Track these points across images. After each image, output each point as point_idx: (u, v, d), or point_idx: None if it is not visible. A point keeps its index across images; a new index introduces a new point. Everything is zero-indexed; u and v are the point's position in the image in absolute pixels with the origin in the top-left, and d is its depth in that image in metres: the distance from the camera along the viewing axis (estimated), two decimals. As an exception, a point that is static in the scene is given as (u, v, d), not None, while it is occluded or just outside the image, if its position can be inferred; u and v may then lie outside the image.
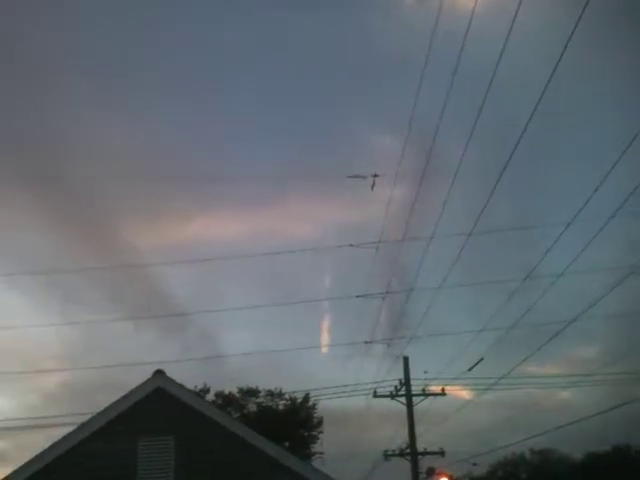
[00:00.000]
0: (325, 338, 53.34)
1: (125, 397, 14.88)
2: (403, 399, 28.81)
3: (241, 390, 43.28)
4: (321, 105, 65.35)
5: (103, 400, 15.69)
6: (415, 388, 29.00)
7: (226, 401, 42.09)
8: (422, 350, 37.55)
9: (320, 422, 43.47)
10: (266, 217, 61.10)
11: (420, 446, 28.71)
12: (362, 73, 58.19)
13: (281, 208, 60.39)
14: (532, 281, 17.86)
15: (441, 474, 34.81)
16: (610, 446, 57.21)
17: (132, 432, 14.42)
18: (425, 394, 29.09)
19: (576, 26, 8.70)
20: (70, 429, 14.90)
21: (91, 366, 41.13)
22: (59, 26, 50.02)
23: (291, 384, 66.16)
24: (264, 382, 43.43)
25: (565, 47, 9.31)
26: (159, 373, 15.22)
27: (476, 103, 12.31)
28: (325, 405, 41.75)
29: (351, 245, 25.16)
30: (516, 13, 9.36)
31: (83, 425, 14.69)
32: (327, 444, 42.83)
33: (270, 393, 43.68)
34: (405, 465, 29.05)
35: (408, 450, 28.74)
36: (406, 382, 28.87)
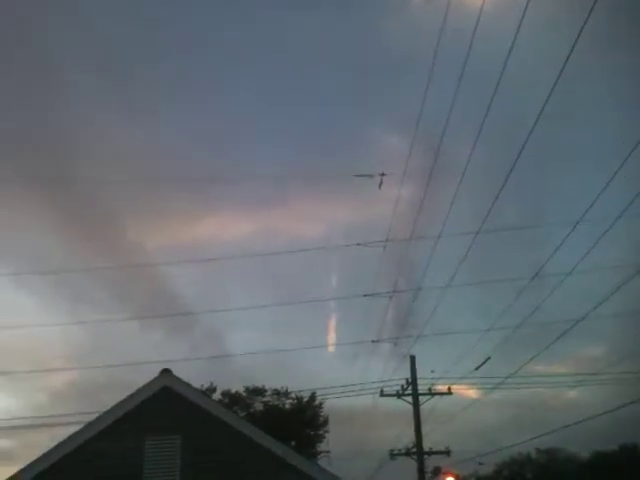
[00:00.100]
0: (332, 337, 53.45)
1: (132, 396, 14.90)
2: (409, 398, 28.78)
3: (247, 389, 43.32)
4: (329, 105, 65.51)
5: (110, 399, 15.75)
6: (422, 387, 28.99)
7: (232, 400, 42.12)
8: (429, 349, 37.62)
9: (326, 421, 43.49)
10: (273, 217, 61.25)
11: (426, 445, 28.70)
12: (369, 72, 58.30)
13: (288, 208, 60.52)
14: (539, 280, 17.79)
15: (447, 473, 34.74)
16: (617, 445, 57.12)
17: (139, 431, 14.44)
18: (431, 393, 29.04)
19: (584, 25, 8.66)
20: (77, 428, 14.93)
21: (98, 365, 41.20)
22: (60, 27, 50.19)
23: (297, 383, 66.30)
24: (270, 381, 43.54)
25: (572, 49, 9.27)
26: (166, 372, 15.24)
27: (484, 102, 12.28)
28: (331, 404, 41.79)
29: (358, 244, 25.12)
30: (524, 12, 9.33)
31: (90, 424, 14.71)
32: (333, 443, 42.89)
33: (276, 392, 43.69)
34: (411, 464, 29.03)
35: (414, 449, 28.71)
36: (413, 381, 28.83)
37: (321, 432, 43.84)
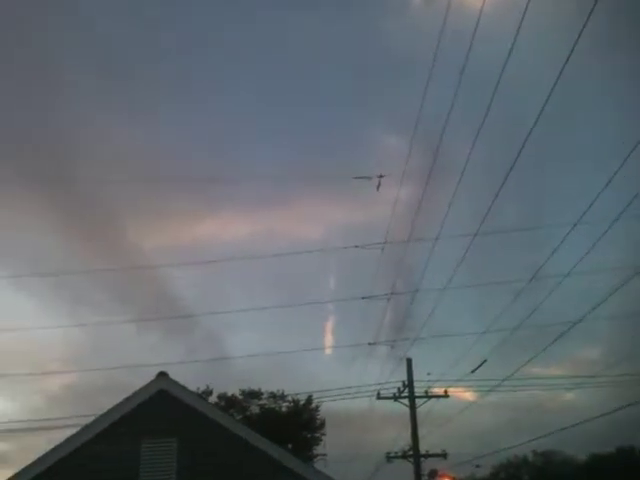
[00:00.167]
0: (329, 340, 53.38)
1: (128, 399, 14.86)
2: (406, 401, 28.75)
3: (244, 392, 43.23)
4: (328, 105, 65.54)
5: (106, 402, 15.67)
6: (418, 390, 28.96)
7: (229, 403, 42.03)
8: (425, 352, 37.54)
9: (323, 424, 43.41)
10: (272, 218, 61.22)
11: (423, 448, 28.66)
12: (368, 73, 58.34)
13: (287, 209, 60.51)
14: (536, 282, 17.77)
15: (444, 476, 34.69)
16: (614, 447, 57.18)
17: (135, 434, 14.39)
18: (428, 396, 29.02)
19: (584, 27, 8.64)
20: (73, 431, 14.87)
21: (95, 368, 41.07)
22: (60, 27, 50.15)
23: (294, 386, 66.11)
24: (267, 384, 43.48)
25: (572, 50, 9.25)
26: (162, 375, 15.19)
27: (483, 103, 12.26)
28: (328, 407, 41.77)
29: (356, 246, 25.07)
30: (524, 13, 9.31)
31: (86, 427, 14.67)
32: (330, 446, 42.81)
33: (273, 395, 43.61)
34: (408, 467, 28.99)
35: (411, 452, 28.67)
36: (409, 384, 28.80)
37: (318, 435, 43.77)
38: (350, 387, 29.93)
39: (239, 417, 38.35)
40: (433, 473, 34.20)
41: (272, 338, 55.71)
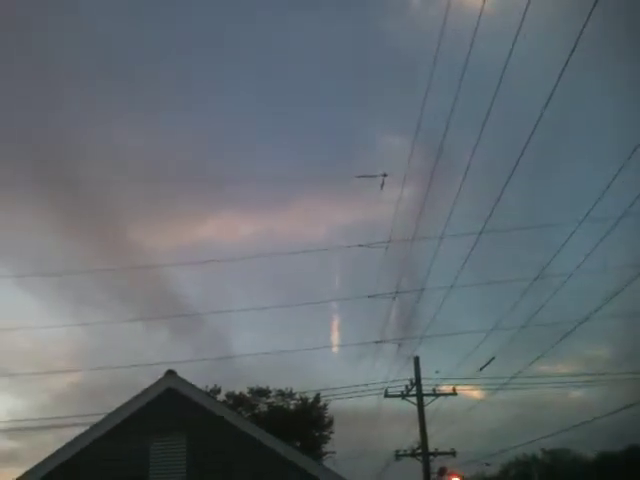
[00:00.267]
0: (336, 338, 53.43)
1: (137, 397, 14.96)
2: (414, 399, 28.76)
3: (252, 390, 43.33)
4: (330, 106, 65.52)
5: (115, 400, 15.81)
6: (426, 388, 28.95)
7: (237, 401, 42.13)
8: (433, 350, 37.61)
9: (331, 422, 43.48)
10: (275, 218, 61.31)
11: (432, 446, 28.65)
12: (371, 73, 58.25)
13: (290, 209, 60.59)
14: (543, 280, 17.76)
15: (453, 474, 34.68)
16: (624, 446, 56.95)
17: (144, 432, 14.49)
18: (436, 394, 29.01)
19: (584, 26, 8.67)
20: (82, 429, 15.01)
21: (102, 367, 41.33)
22: (68, 28, 50.32)
23: (302, 384, 66.22)
24: (275, 382, 43.55)
25: (573, 48, 9.28)
26: (171, 373, 15.28)
27: (486, 101, 12.28)
28: (336, 405, 41.75)
29: (360, 245, 25.09)
30: (525, 12, 9.34)
31: (96, 425, 14.78)
32: (338, 444, 42.89)
33: (281, 393, 43.69)
34: (416, 465, 29.00)
35: (419, 450, 28.69)
36: (417, 382, 28.81)
37: (326, 433, 43.84)
38: (358, 385, 29.98)
39: (247, 415, 38.45)
40: (442, 471, 34.20)
41: (279, 337, 55.91)
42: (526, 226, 36.23)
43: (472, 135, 13.85)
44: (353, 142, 66.58)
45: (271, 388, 43.60)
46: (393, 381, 29.98)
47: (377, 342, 29.69)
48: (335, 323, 53.39)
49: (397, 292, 26.13)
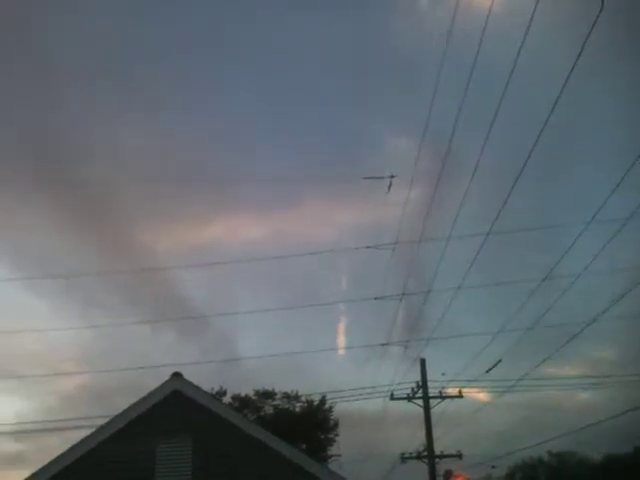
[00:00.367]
0: (342, 340, 53.43)
1: (143, 399, 14.96)
2: (420, 401, 28.70)
3: (257, 392, 43.31)
4: (336, 106, 65.37)
5: (121, 403, 15.79)
6: (432, 390, 28.88)
7: (242, 403, 42.12)
8: (439, 352, 37.40)
9: (337, 424, 43.40)
10: (283, 219, 61.27)
11: (437, 449, 28.58)
12: (378, 74, 58.12)
13: (297, 210, 60.56)
14: (550, 282, 17.69)
15: (459, 477, 34.66)
16: (631, 447, 56.68)
17: (150, 434, 14.48)
18: (442, 396, 28.95)
19: (590, 31, 8.63)
20: (88, 432, 15.00)
21: (109, 369, 41.33)
22: (68, 28, 50.35)
23: (308, 386, 66.21)
24: (280, 384, 43.52)
25: (580, 53, 9.24)
26: (177, 376, 15.27)
27: (493, 102, 12.24)
28: (342, 407, 41.71)
29: (368, 247, 25.05)
30: (534, 12, 9.31)
31: (102, 427, 14.78)
32: (344, 446, 42.81)
33: (286, 395, 43.65)
34: (422, 468, 28.94)
35: (425, 453, 28.62)
36: (423, 384, 28.75)
37: (331, 435, 43.77)
38: (364, 388, 29.99)
39: (253, 417, 38.44)
40: (448, 474, 34.16)
41: (285, 339, 55.83)
42: (533, 227, 36.19)
43: (479, 136, 13.81)
44: (360, 143, 66.50)
45: (277, 390, 43.61)
46: (399, 383, 29.99)
47: (383, 344, 29.65)
48: (341, 325, 53.38)
49: (404, 294, 26.09)
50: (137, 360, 55.23)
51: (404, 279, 26.46)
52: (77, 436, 15.21)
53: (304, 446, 36.37)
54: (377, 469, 41.53)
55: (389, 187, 22.02)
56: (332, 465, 37.43)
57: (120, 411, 14.97)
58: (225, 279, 60.49)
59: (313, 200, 57.82)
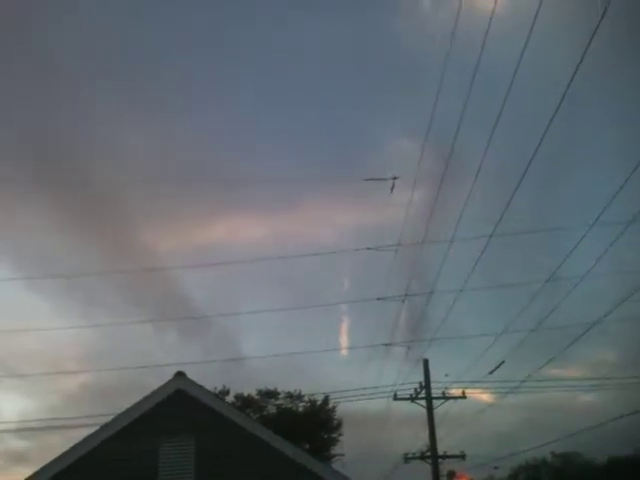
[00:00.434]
0: (345, 340, 53.41)
1: (146, 399, 14.98)
2: (423, 402, 28.72)
3: (260, 392, 43.36)
4: (340, 107, 65.36)
5: (124, 402, 15.83)
6: (435, 391, 28.91)
7: (245, 403, 42.17)
8: (442, 353, 37.46)
9: (340, 424, 43.43)
10: (285, 220, 61.31)
11: (440, 449, 28.59)
12: (381, 75, 58.12)
13: (300, 211, 60.57)
14: (553, 283, 17.71)
15: (462, 477, 34.67)
16: (633, 449, 56.52)
17: (153, 433, 14.50)
18: (445, 397, 28.96)
19: (593, 34, 8.64)
20: (91, 430, 15.02)
21: (112, 368, 41.42)
22: (68, 28, 50.42)
23: (310, 386, 66.25)
24: (283, 384, 43.56)
25: (586, 48, 9.24)
26: (180, 375, 15.30)
27: (497, 103, 12.25)
28: (345, 407, 41.74)
29: (370, 248, 25.06)
30: (537, 13, 9.32)
31: (105, 426, 14.80)
32: (347, 446, 42.84)
33: (289, 395, 43.70)
34: (425, 468, 28.96)
35: (428, 453, 28.63)
36: (426, 385, 28.77)
37: (335, 435, 43.81)
38: (367, 388, 29.99)
39: (256, 417, 38.48)
40: (451, 474, 34.22)
41: (288, 339, 55.87)
42: (536, 229, 36.15)
43: (483, 137, 13.82)
44: (363, 144, 66.49)
45: (280, 390, 43.67)
46: (402, 384, 29.99)
47: (386, 345, 29.65)
48: (344, 326, 53.42)
49: (406, 295, 26.11)
50: (140, 359, 55.37)
51: (407, 280, 26.50)
52: (80, 435, 15.23)
53: (307, 446, 36.39)
54: (380, 469, 41.60)
55: (392, 188, 22.04)
56: (335, 465, 37.46)
57: (123, 410, 15.00)
58: (228, 279, 60.65)
59: (315, 201, 57.83)
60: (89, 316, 53.94)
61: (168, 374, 15.47)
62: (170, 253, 52.94)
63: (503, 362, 24.01)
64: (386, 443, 43.25)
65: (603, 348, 53.70)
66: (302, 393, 43.19)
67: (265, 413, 42.37)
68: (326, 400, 42.40)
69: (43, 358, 48.48)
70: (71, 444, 14.57)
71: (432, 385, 28.83)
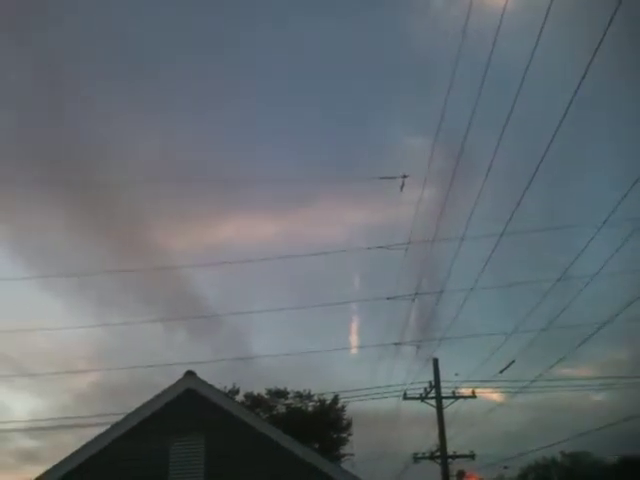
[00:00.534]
0: (355, 340, 53.36)
1: (157, 398, 15.01)
2: (433, 401, 28.64)
3: (270, 391, 43.37)
4: (350, 106, 65.36)
5: (134, 401, 15.84)
6: (445, 390, 28.82)
7: (255, 402, 42.19)
8: (452, 352, 37.38)
9: (349, 424, 43.38)
10: (296, 219, 61.34)
11: (450, 449, 28.52)
12: (391, 74, 58.07)
13: (310, 210, 60.59)
14: (564, 283, 17.61)
15: (471, 477, 34.57)
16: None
17: (164, 433, 14.52)
18: (455, 397, 28.87)
19: (603, 36, 8.57)
20: (102, 429, 15.06)
21: (123, 367, 41.56)
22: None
23: (320, 385, 66.27)
24: (293, 383, 43.56)
25: (596, 49, 9.17)
26: (190, 374, 15.31)
27: (508, 101, 12.19)
28: (355, 407, 41.71)
29: (380, 247, 25.00)
30: (548, 9, 9.26)
31: (115, 425, 14.83)
32: (357, 446, 42.80)
33: (299, 395, 43.68)
34: (435, 468, 28.88)
35: (438, 453, 28.55)
36: (436, 384, 28.68)
37: (344, 435, 43.76)
38: (376, 387, 29.92)
39: (265, 416, 38.49)
40: (461, 474, 34.13)
41: (298, 338, 55.88)
42: (547, 228, 35.98)
43: (493, 136, 13.76)
44: (373, 143, 66.49)
45: (289, 389, 43.66)
46: (412, 383, 29.91)
47: (396, 344, 29.59)
48: (354, 325, 53.40)
49: (416, 294, 26.04)
50: (150, 358, 55.51)
51: (417, 279, 26.43)
52: (91, 433, 15.28)
53: (317, 445, 36.37)
54: (390, 469, 41.50)
55: (402, 187, 22.01)
56: (345, 464, 37.41)
57: (133, 409, 15.03)
58: (238, 278, 60.63)
59: (326, 200, 57.80)
60: (100, 315, 54.16)
61: (178, 373, 15.52)
62: (180, 252, 53.09)
63: (513, 361, 23.93)
64: (396, 443, 43.20)
65: (614, 348, 53.48)
66: (312, 392, 43.20)
67: (275, 412, 42.38)
68: (336, 399, 42.37)
69: (54, 357, 48.73)
70: (82, 443, 14.63)
71: (442, 384, 28.76)
